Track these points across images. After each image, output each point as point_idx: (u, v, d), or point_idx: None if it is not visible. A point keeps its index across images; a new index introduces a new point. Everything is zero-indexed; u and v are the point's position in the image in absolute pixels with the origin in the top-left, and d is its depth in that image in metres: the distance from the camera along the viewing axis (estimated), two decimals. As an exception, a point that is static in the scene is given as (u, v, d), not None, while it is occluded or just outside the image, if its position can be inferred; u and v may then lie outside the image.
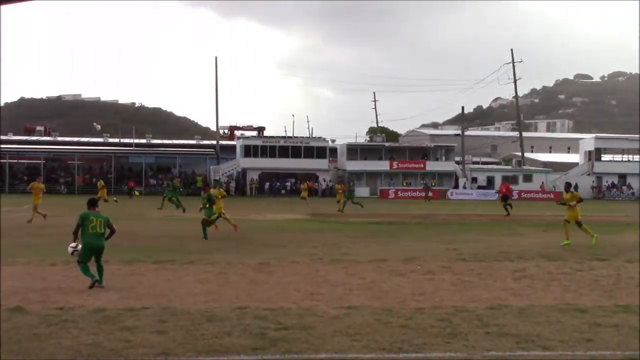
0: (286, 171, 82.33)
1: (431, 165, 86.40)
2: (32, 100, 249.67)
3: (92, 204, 14.54)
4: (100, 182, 48.21)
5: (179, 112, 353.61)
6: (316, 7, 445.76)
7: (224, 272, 16.20)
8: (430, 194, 69.63)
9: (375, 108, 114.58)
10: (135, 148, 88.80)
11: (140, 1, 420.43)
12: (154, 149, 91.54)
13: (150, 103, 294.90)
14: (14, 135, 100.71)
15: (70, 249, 14.13)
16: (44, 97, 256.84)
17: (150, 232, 27.03)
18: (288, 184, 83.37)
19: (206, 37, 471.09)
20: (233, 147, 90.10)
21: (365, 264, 17.99)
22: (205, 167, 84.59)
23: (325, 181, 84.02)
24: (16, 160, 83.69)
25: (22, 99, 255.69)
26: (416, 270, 16.91)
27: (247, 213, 40.95)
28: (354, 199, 45.89)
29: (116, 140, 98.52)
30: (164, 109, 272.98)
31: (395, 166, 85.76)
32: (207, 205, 25.18)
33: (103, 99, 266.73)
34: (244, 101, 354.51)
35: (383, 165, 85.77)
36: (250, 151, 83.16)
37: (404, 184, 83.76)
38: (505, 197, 42.61)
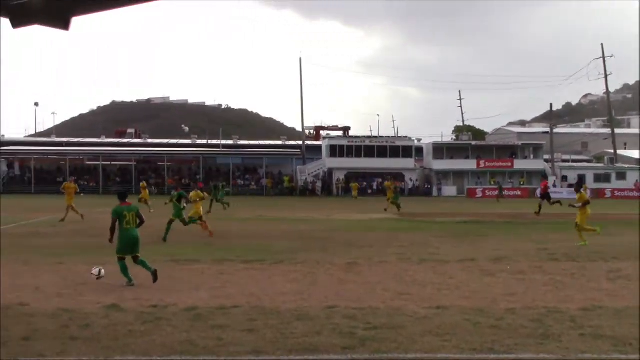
0: (372, 171, 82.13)
1: (519, 164, 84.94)
2: (123, 103, 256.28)
3: (123, 197, 14.98)
4: (143, 184, 48.82)
5: (265, 113, 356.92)
6: (400, 7, 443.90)
7: (312, 271, 16.27)
8: (503, 193, 68.43)
9: (461, 106, 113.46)
10: (222, 149, 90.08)
11: (225, 1, 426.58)
12: (241, 149, 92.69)
13: (236, 104, 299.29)
14: (106, 138, 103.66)
15: (94, 274, 14.39)
16: (134, 100, 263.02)
17: (239, 232, 27.36)
18: (374, 183, 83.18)
19: (290, 38, 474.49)
20: (319, 147, 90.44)
21: (454, 263, 17.82)
22: (292, 167, 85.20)
23: (412, 180, 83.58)
24: (109, 162, 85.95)
25: (113, 103, 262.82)
26: (506, 270, 16.65)
27: (334, 213, 41.07)
28: (397, 199, 44.97)
29: (204, 141, 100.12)
30: (250, 110, 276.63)
31: (482, 165, 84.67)
32: (178, 204, 24.74)
33: (191, 101, 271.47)
34: (329, 101, 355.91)
35: (470, 164, 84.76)
36: (336, 151, 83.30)
37: (492, 183, 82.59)
38: (545, 196, 41.47)
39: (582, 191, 24.13)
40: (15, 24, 4.00)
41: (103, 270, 14.20)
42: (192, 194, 26.26)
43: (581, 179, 27.33)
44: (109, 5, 4.05)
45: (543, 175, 77.68)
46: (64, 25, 4.11)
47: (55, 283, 14.11)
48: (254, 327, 10.15)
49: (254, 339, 9.50)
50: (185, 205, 24.94)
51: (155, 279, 14.04)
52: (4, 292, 12.97)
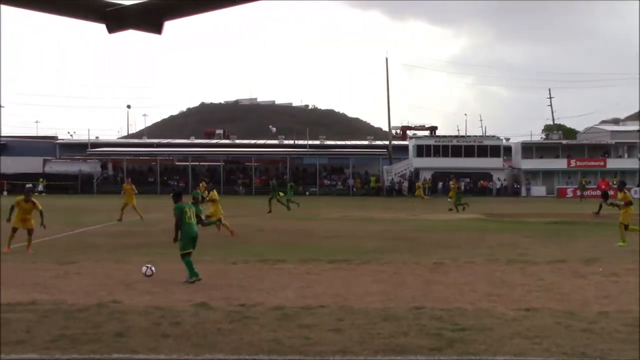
0: (459, 170, 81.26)
1: (612, 163, 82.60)
2: (212, 105, 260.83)
3: (179, 196, 15.61)
4: (203, 184, 49.12)
5: (351, 113, 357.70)
6: (488, 5, 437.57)
7: (399, 271, 16.21)
8: (584, 192, 66.49)
9: (550, 105, 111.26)
10: (309, 149, 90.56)
11: (311, 2, 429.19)
12: (328, 150, 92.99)
13: (323, 105, 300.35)
14: (195, 138, 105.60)
15: (148, 270, 14.77)
16: (222, 101, 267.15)
17: (325, 232, 27.46)
18: (462, 183, 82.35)
19: (377, 38, 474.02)
20: (405, 147, 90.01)
21: (544, 264, 17.46)
22: (378, 167, 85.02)
23: (499, 180, 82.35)
24: (198, 163, 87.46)
25: (202, 104, 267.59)
26: (598, 272, 16.23)
27: (421, 213, 40.80)
28: (461, 200, 44.05)
29: (291, 142, 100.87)
30: (336, 110, 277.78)
31: (573, 164, 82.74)
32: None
33: (277, 102, 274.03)
34: (416, 101, 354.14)
35: (560, 164, 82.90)
36: (422, 151, 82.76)
37: (582, 183, 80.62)
38: (605, 195, 39.95)
39: (626, 191, 23.64)
40: (111, 29, 4.12)
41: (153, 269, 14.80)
42: (211, 194, 26.02)
43: (623, 179, 26.87)
44: (202, 9, 4.12)
45: (603, 174, 75.36)
46: (157, 29, 4.20)
47: (146, 281, 14.43)
48: (341, 327, 10.17)
49: (340, 338, 9.51)
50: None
51: (189, 282, 14.34)
52: (98, 289, 13.36)
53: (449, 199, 45.12)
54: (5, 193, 70.40)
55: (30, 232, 19.98)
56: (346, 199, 63.71)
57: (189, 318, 10.76)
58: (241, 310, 11.42)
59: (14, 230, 19.89)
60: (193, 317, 10.87)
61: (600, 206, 38.80)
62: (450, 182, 53.45)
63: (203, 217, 24.45)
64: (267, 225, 29.85)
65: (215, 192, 26.38)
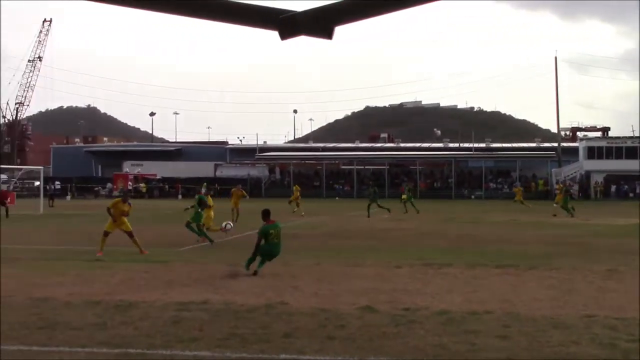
0: (635, 173, 77.62)
1: None
2: (376, 108, 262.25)
3: (267, 215, 16.47)
4: (296, 187, 48.57)
5: (518, 115, 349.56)
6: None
7: (569, 278, 15.65)
8: None
9: None
10: (474, 152, 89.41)
11: (477, 2, 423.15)
12: (494, 152, 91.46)
13: (488, 107, 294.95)
14: (360, 142, 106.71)
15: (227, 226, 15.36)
16: (386, 105, 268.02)
17: (492, 236, 26.98)
18: (638, 187, 78.57)
19: (545, 37, 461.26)
20: (575, 149, 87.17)
21: None
22: (546, 170, 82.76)
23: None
24: (363, 167, 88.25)
25: (367, 108, 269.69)
26: None
27: (591, 217, 39.35)
28: (567, 203, 41.36)
29: (456, 145, 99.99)
30: (502, 112, 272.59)
31: None
32: (198, 208, 23.33)
33: (442, 104, 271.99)
34: (587, 101, 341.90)
35: None
36: (594, 153, 79.74)
37: None
38: None
39: None
40: (283, 36, 4.21)
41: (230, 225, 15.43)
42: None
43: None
44: (371, 13, 4.13)
45: None
46: (328, 34, 4.25)
47: (312, 283, 14.66)
48: (507, 334, 9.92)
49: (507, 345, 9.29)
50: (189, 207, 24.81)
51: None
52: (266, 290, 13.70)
53: (555, 204, 43.37)
54: (179, 197, 73.78)
55: (130, 234, 20.24)
56: (513, 203, 62.16)
57: (354, 321, 10.82)
58: (406, 314, 11.37)
59: (106, 234, 20.15)
60: (358, 320, 10.92)
61: None
62: (557, 187, 51.22)
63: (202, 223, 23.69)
64: (432, 229, 29.62)
65: (209, 198, 25.44)
